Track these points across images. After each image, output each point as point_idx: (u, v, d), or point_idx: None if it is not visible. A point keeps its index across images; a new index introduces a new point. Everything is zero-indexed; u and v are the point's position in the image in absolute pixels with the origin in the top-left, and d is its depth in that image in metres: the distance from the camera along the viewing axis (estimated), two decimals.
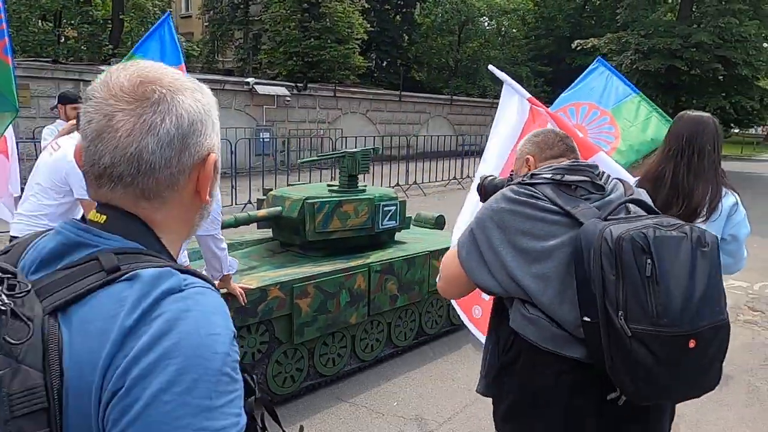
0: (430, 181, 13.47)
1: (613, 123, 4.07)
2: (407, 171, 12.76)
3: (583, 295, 1.37)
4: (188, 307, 0.66)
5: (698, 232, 1.36)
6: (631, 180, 2.44)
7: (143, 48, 4.72)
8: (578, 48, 21.20)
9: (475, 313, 2.98)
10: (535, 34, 31.18)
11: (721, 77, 19.16)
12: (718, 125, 2.35)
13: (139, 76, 0.74)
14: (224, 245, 2.86)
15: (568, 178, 1.50)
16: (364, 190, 4.10)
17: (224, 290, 2.92)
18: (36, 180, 3.54)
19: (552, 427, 1.46)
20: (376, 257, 3.92)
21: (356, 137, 13.09)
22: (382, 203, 4.04)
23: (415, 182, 12.61)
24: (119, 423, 0.60)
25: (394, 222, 4.19)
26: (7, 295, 0.63)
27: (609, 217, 1.41)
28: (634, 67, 19.85)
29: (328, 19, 20.04)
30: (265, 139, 13.37)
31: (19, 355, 0.60)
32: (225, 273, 2.90)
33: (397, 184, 12.44)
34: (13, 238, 3.66)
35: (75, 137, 3.58)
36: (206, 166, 0.78)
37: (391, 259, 3.95)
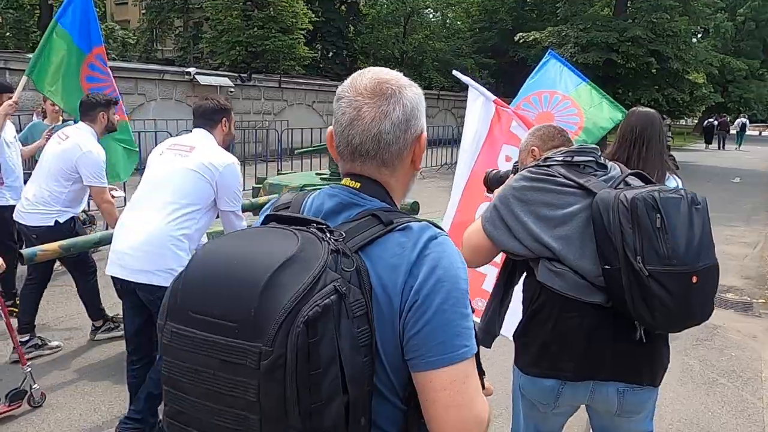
0: None
1: (575, 105, 4.36)
2: None
3: (603, 249, 1.67)
4: (443, 249, 0.99)
5: (691, 194, 1.68)
6: None
7: (65, 19, 4.43)
8: (521, 41, 21.56)
9: (477, 305, 3.06)
10: (479, 26, 31.59)
11: (654, 71, 20.00)
12: (662, 120, 2.74)
13: (376, 78, 1.05)
14: (244, 223, 2.96)
15: (577, 158, 1.81)
16: None
17: None
18: (45, 168, 3.65)
19: (577, 361, 1.73)
20: None
21: (302, 129, 12.92)
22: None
23: None
24: (417, 323, 0.95)
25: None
26: (335, 240, 0.92)
27: (618, 187, 1.73)
28: (574, 60, 20.37)
29: (271, 8, 19.61)
30: None
31: (350, 279, 0.89)
32: None
33: None
34: (19, 224, 3.74)
35: (82, 128, 3.67)
36: (420, 141, 1.09)
37: None
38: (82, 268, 3.94)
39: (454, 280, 0.97)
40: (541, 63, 4.51)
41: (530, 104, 4.40)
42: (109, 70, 4.77)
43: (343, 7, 27.71)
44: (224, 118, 2.92)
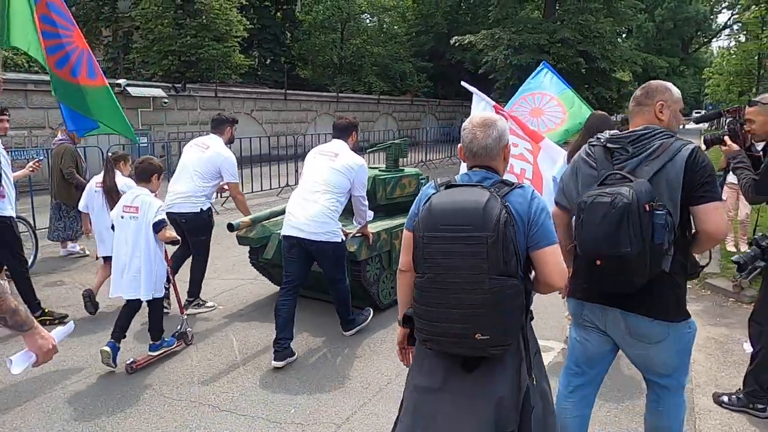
0: None
1: (560, 104, 5.56)
2: (296, 171, 12.57)
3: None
4: (539, 196, 2.02)
5: (618, 200, 2.13)
6: (563, 152, 4.36)
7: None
8: (456, 44, 22.00)
9: None
10: (415, 30, 32.01)
11: (583, 70, 20.82)
12: (612, 120, 4.15)
13: (482, 117, 2.09)
14: (366, 203, 4.36)
15: (610, 145, 2.37)
16: (403, 170, 5.83)
17: (360, 234, 4.57)
18: (193, 170, 4.85)
19: (584, 290, 2.46)
20: None
21: (241, 138, 12.68)
22: (419, 177, 5.88)
23: None
24: (534, 227, 1.96)
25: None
26: (497, 192, 1.93)
27: (601, 183, 2.29)
28: (508, 62, 20.99)
29: (204, 16, 19.17)
30: (142, 144, 12.54)
31: (504, 211, 1.85)
32: (365, 221, 4.49)
33: (287, 185, 12.23)
34: (170, 212, 4.65)
35: (215, 139, 4.99)
36: (506, 148, 2.11)
37: None
38: (204, 251, 5.02)
39: (547, 210, 2.02)
40: (536, 71, 5.71)
41: (525, 102, 5.75)
42: (68, 20, 4.67)
43: (278, 14, 27.46)
44: (354, 132, 4.39)
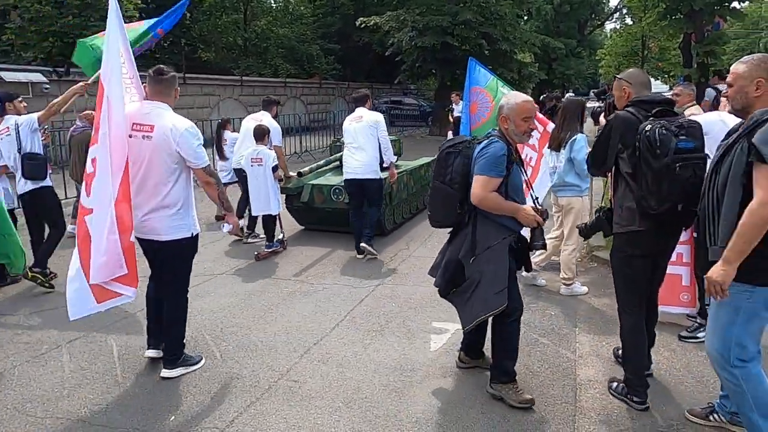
0: None
1: (488, 96, 6.14)
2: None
3: None
4: (485, 149, 3.19)
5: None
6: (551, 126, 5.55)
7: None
8: (362, 26, 21.79)
9: None
10: (321, 11, 31.39)
11: (486, 52, 21.27)
12: (581, 101, 5.39)
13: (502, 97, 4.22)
14: (389, 144, 6.39)
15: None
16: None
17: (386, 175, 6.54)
18: (249, 136, 6.66)
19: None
20: (404, 167, 8.10)
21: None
22: (400, 141, 8.39)
23: None
24: (474, 163, 3.22)
25: (401, 152, 8.80)
26: (465, 145, 3.35)
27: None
28: (413, 43, 21.07)
29: None
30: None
31: (451, 150, 3.35)
32: (391, 161, 6.50)
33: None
34: (239, 169, 6.91)
35: (266, 114, 7.08)
36: (500, 118, 3.29)
37: (412, 167, 8.33)
38: None
39: (487, 157, 3.14)
40: (468, 70, 6.22)
41: (469, 96, 6.24)
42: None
43: None
44: (367, 99, 6.42)
